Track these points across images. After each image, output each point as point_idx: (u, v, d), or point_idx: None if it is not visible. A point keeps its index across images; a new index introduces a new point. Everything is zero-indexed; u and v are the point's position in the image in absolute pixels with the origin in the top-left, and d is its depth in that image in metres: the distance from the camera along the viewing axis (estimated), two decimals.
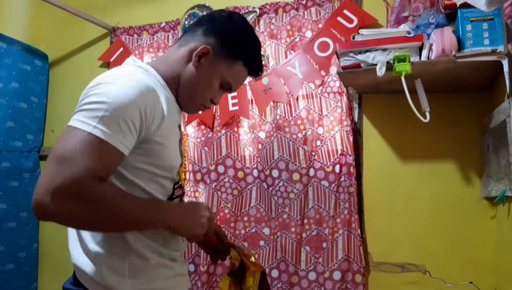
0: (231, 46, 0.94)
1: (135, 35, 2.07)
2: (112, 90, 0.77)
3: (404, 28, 1.37)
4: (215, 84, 0.96)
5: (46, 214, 0.70)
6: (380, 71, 1.28)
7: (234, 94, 1.79)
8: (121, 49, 2.07)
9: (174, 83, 0.94)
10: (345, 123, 1.63)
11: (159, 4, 2.10)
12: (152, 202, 0.87)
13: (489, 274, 1.44)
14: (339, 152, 1.63)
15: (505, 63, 1.18)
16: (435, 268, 1.53)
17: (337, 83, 1.66)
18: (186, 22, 1.91)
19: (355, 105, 1.66)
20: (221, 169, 1.80)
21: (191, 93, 0.95)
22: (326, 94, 1.69)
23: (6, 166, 2.06)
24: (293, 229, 1.67)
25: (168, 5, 2.06)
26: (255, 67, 1.00)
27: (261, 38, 1.82)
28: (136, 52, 2.05)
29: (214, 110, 1.83)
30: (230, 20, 0.97)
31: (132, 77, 0.82)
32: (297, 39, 1.75)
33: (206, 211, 0.91)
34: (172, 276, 0.93)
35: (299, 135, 1.69)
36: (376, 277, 1.59)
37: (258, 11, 1.81)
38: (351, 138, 1.62)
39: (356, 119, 1.67)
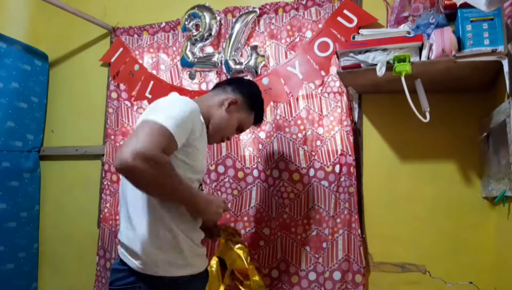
0: (251, 103, 1.40)
1: (135, 35, 2.07)
2: (176, 107, 1.11)
3: (404, 28, 1.37)
4: (235, 126, 1.37)
5: (129, 168, 0.95)
6: (380, 71, 1.28)
7: None
8: (121, 49, 2.07)
9: (206, 118, 1.28)
10: (345, 123, 1.63)
11: (159, 4, 2.10)
12: (189, 184, 1.13)
13: (489, 274, 1.44)
14: (339, 152, 1.63)
15: (505, 63, 1.18)
16: (435, 268, 1.53)
17: (337, 83, 1.66)
18: (186, 22, 1.91)
19: (355, 105, 1.66)
20: (221, 169, 1.80)
21: (219, 129, 1.32)
22: (326, 94, 1.69)
23: (6, 166, 2.06)
24: (293, 229, 1.67)
25: (168, 5, 2.06)
26: (260, 119, 1.47)
27: (261, 38, 1.82)
28: (136, 52, 2.05)
29: None
30: (251, 85, 1.44)
31: (187, 102, 1.16)
32: (297, 39, 1.75)
33: (222, 203, 1.22)
34: (202, 256, 1.25)
35: (299, 135, 1.69)
36: (376, 277, 1.59)
37: (258, 11, 1.81)
38: (351, 138, 1.62)
39: (356, 119, 1.67)
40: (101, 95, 2.15)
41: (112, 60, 2.08)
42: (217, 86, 1.42)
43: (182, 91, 1.90)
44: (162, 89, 1.92)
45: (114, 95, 2.06)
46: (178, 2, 2.01)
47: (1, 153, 2.05)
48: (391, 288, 1.57)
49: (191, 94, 1.88)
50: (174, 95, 1.23)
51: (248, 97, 1.38)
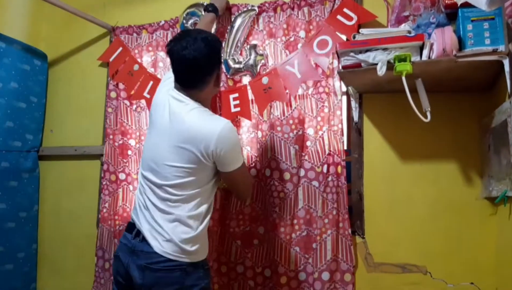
0: None
1: (134, 34, 2.06)
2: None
3: (404, 27, 1.37)
4: None
5: None
6: (381, 70, 1.28)
7: (236, 94, 1.78)
8: (120, 48, 2.06)
9: None
10: (332, 122, 1.63)
11: (158, 3, 2.09)
12: None
13: (490, 275, 1.44)
14: (327, 152, 1.62)
15: (506, 62, 1.18)
16: (436, 269, 1.52)
17: (323, 83, 1.67)
18: (184, 21, 1.90)
19: (356, 105, 1.66)
20: None
21: None
22: (315, 94, 1.68)
23: (5, 166, 2.05)
24: (282, 229, 1.65)
25: (168, 4, 2.06)
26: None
27: (260, 37, 1.81)
28: (136, 51, 2.04)
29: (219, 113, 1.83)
30: None
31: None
32: (292, 38, 1.73)
33: None
34: None
35: (291, 134, 1.68)
36: (376, 278, 1.59)
37: (257, 9, 1.80)
38: (338, 138, 1.61)
39: (356, 118, 1.66)
40: (100, 95, 2.15)
41: (111, 59, 2.07)
42: None
43: None
44: None
45: (113, 94, 2.05)
46: (177, 1, 2.01)
47: (0, 153, 2.04)
48: (392, 289, 1.56)
49: None
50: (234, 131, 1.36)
51: None
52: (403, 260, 1.56)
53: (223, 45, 1.83)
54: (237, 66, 1.79)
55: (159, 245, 1.28)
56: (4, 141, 2.05)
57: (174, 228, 1.29)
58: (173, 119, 1.33)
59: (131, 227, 1.38)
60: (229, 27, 1.82)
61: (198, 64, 1.30)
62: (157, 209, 1.32)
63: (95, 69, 2.18)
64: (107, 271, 1.95)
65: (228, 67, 1.80)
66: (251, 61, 1.77)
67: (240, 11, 1.82)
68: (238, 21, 1.80)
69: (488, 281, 1.44)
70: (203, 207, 1.34)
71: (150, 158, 1.37)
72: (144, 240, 1.31)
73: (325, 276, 1.55)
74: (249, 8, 1.81)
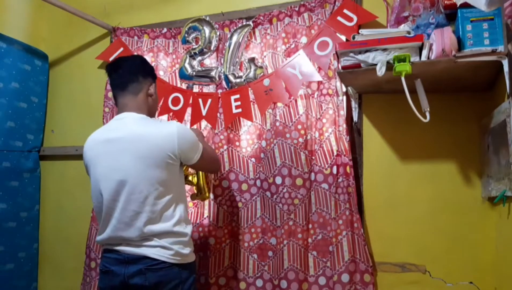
0: None
1: (136, 37, 2.06)
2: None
3: (404, 28, 1.37)
4: None
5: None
6: (380, 71, 1.28)
7: (237, 96, 1.79)
8: (121, 49, 2.05)
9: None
10: (338, 123, 1.63)
11: (159, 5, 2.10)
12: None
13: (489, 274, 1.45)
14: (335, 153, 1.62)
15: (505, 63, 1.18)
16: (435, 268, 1.53)
17: (326, 85, 1.67)
18: (186, 35, 1.90)
19: (355, 105, 1.66)
20: (225, 183, 1.78)
21: None
22: (320, 96, 1.69)
23: (6, 166, 2.06)
24: (299, 235, 1.63)
25: (169, 7, 2.06)
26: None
27: (257, 49, 1.82)
28: (136, 54, 2.04)
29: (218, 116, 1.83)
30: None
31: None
32: (293, 46, 1.73)
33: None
34: None
35: (300, 140, 1.67)
36: (376, 277, 1.59)
37: (252, 24, 1.81)
38: (344, 138, 1.61)
39: (356, 119, 1.67)
40: (101, 95, 2.15)
41: (111, 59, 2.07)
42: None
43: (184, 92, 1.90)
44: (164, 90, 1.91)
45: (110, 94, 2.05)
46: (178, 4, 2.02)
47: (1, 153, 2.05)
48: (391, 288, 1.57)
49: (194, 95, 1.89)
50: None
51: None
52: (402, 259, 1.57)
53: (222, 61, 1.84)
54: (238, 80, 1.80)
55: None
56: (5, 141, 2.06)
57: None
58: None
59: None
60: (226, 44, 1.83)
61: (131, 65, 1.46)
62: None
63: (95, 70, 2.18)
64: (93, 270, 1.95)
65: (228, 81, 1.81)
66: (251, 74, 1.78)
67: (236, 27, 1.82)
68: (234, 37, 1.81)
69: (487, 280, 1.45)
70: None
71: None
72: None
73: (345, 278, 1.54)
74: (244, 23, 1.81)
